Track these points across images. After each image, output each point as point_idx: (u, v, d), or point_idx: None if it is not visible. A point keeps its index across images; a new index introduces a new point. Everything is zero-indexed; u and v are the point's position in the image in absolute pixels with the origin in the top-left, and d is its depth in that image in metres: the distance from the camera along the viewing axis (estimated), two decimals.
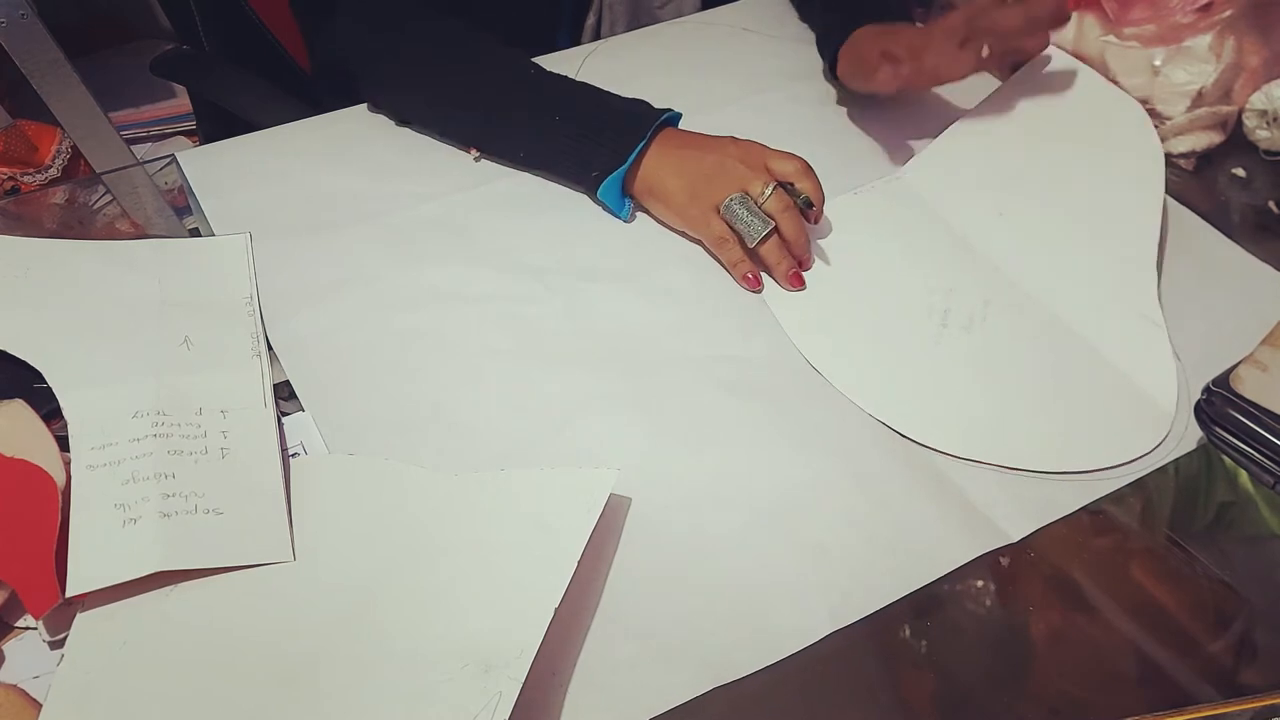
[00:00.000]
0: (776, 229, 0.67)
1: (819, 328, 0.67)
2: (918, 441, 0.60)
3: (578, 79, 0.77)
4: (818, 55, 0.89)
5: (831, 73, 0.85)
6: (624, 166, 0.71)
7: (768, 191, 0.67)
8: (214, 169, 0.78)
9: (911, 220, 0.74)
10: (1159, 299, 0.67)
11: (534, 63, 0.78)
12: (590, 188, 0.74)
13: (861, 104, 0.84)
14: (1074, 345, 0.65)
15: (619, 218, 0.74)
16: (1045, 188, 0.74)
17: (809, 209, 0.69)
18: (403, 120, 0.81)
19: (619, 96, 0.75)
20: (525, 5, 0.90)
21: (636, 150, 0.71)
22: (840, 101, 0.85)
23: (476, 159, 0.79)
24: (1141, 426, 0.61)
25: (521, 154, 0.77)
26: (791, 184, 0.69)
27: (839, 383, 0.63)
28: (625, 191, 0.73)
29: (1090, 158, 0.75)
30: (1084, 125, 0.76)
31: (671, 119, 0.73)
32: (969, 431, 0.60)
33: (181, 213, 0.77)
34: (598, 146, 0.72)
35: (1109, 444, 0.60)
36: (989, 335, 0.66)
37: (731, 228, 0.68)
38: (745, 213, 0.67)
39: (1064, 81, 0.78)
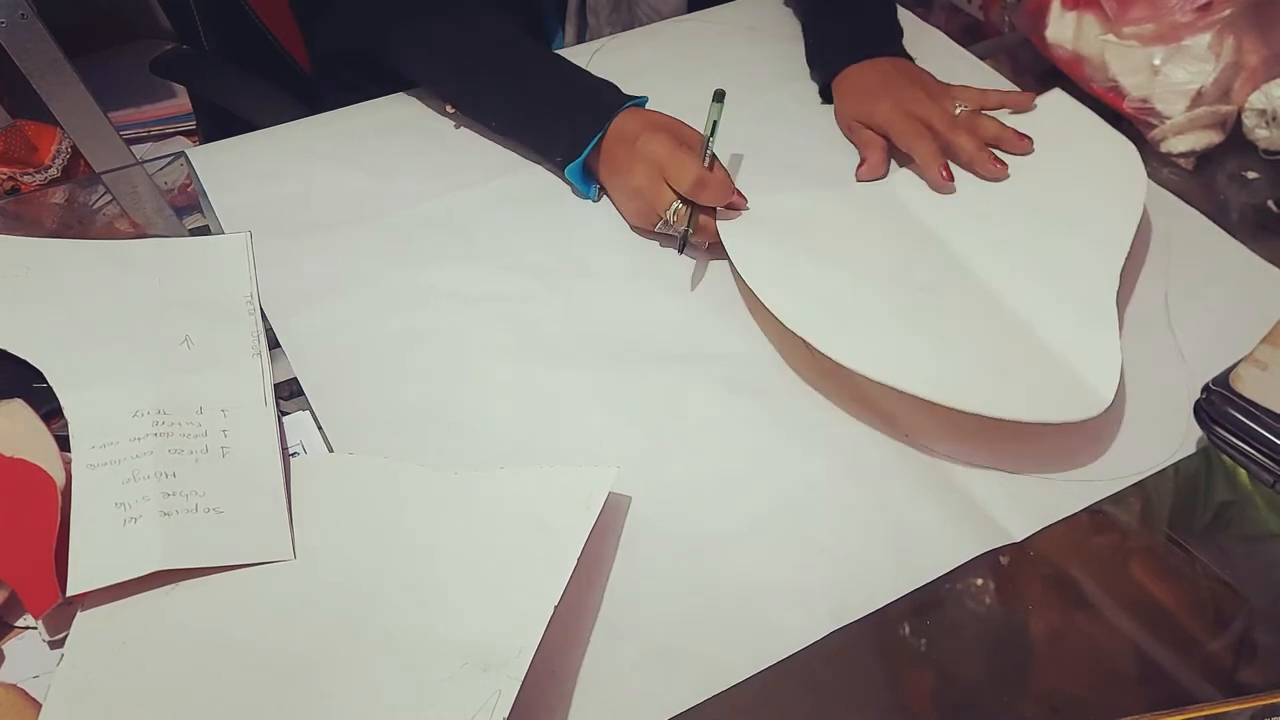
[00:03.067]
0: (688, 230, 0.68)
1: (770, 261, 0.66)
2: (845, 365, 0.58)
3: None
4: None
5: (824, 97, 0.85)
6: (580, 158, 0.72)
7: (670, 215, 0.68)
8: (224, 166, 0.78)
9: (884, 207, 0.73)
10: (1115, 303, 0.64)
11: (517, 34, 0.78)
12: (557, 169, 0.76)
13: None
14: (1020, 326, 0.63)
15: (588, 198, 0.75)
16: (1022, 197, 0.73)
17: (690, 235, 0.68)
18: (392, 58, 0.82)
19: (587, 79, 0.75)
20: None
21: (592, 143, 0.72)
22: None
23: (451, 114, 0.80)
24: (1073, 397, 0.58)
25: (493, 123, 0.79)
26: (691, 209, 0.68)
27: (772, 301, 0.62)
28: (589, 175, 0.74)
29: (1073, 179, 0.73)
30: (1073, 155, 0.75)
31: (639, 103, 0.73)
32: (903, 364, 0.58)
33: (181, 213, 0.77)
34: (558, 134, 0.74)
35: (1038, 400, 0.58)
36: (940, 302, 0.64)
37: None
38: (666, 228, 0.69)
39: (1061, 118, 0.77)
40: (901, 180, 0.75)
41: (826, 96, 0.85)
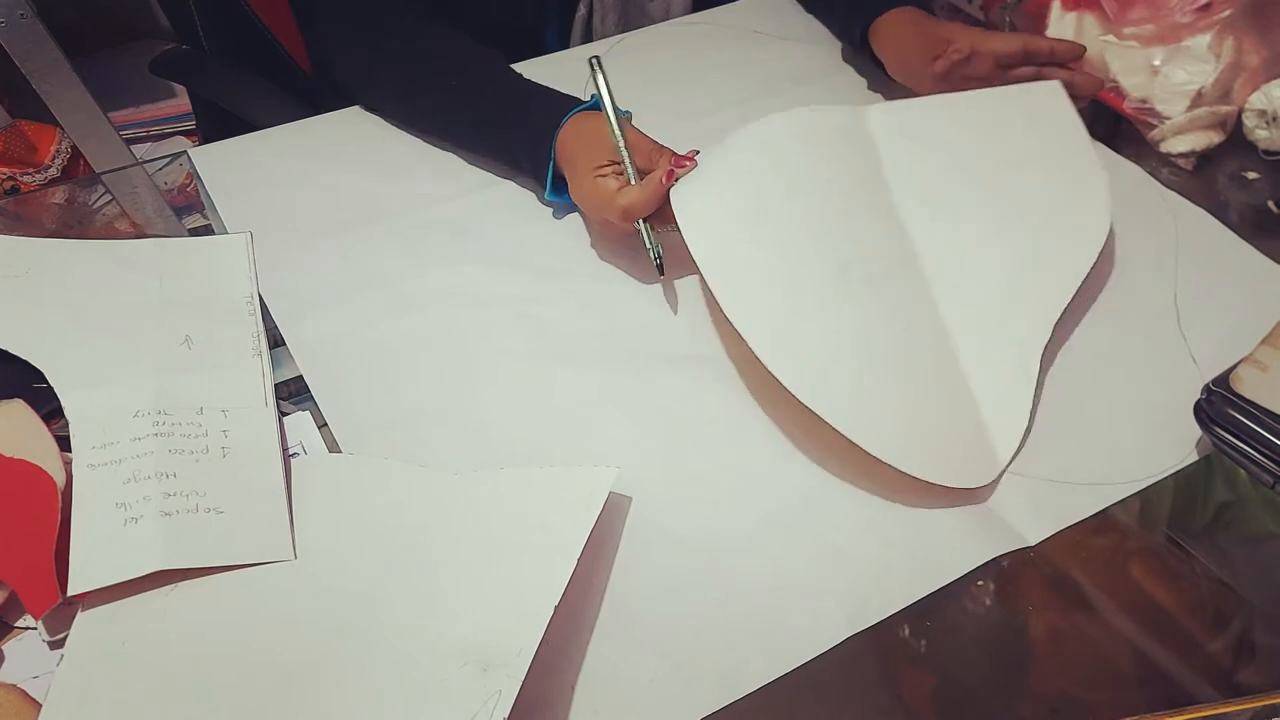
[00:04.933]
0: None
1: (722, 237, 0.63)
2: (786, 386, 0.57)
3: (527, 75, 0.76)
4: (826, 57, 0.89)
5: (860, 44, 0.85)
6: (549, 190, 0.72)
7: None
8: (226, 166, 0.78)
9: (852, 165, 0.69)
10: (1040, 359, 0.62)
11: (482, 65, 0.77)
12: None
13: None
14: (947, 359, 0.62)
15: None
16: (986, 209, 0.69)
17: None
18: (370, 109, 0.83)
19: (537, 98, 0.73)
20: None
21: (550, 174, 0.71)
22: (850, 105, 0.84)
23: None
24: (970, 461, 0.58)
25: (478, 160, 0.79)
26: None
27: (730, 307, 0.60)
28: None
29: (1040, 198, 0.69)
30: (1049, 172, 0.71)
31: (586, 107, 0.71)
32: (828, 390, 0.57)
33: (181, 213, 0.77)
34: (521, 167, 0.74)
35: (936, 460, 0.57)
36: (880, 304, 0.62)
37: None
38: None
39: (1050, 122, 0.74)
40: (886, 147, 0.71)
41: (864, 49, 0.85)
